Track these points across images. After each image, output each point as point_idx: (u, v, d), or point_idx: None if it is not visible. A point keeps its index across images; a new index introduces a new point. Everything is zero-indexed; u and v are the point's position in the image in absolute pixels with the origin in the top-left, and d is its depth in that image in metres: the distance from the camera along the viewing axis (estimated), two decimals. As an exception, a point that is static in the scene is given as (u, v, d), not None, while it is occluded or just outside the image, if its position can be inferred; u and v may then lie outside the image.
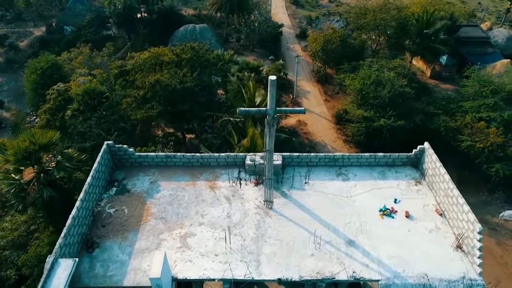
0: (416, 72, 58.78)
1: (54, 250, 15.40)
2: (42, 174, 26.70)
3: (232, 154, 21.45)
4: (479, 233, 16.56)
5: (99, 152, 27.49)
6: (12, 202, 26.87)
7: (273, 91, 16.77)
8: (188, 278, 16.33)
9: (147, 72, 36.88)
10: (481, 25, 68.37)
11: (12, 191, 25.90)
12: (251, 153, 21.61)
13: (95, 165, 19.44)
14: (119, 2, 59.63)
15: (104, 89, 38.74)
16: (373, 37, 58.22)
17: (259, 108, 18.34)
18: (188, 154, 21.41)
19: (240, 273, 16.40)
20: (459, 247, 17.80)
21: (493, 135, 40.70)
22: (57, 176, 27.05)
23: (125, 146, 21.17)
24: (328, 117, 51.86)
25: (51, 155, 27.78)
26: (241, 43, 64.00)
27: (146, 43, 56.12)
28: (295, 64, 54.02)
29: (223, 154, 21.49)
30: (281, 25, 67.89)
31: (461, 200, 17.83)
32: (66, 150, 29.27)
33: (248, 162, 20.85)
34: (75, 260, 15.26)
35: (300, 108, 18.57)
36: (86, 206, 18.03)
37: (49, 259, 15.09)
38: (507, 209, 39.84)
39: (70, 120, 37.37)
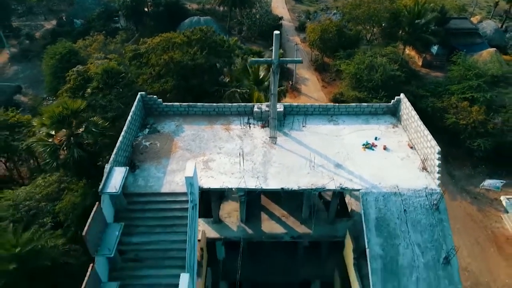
0: (408, 61, 64.49)
1: (110, 161, 20.80)
2: (72, 138, 31.77)
3: (243, 104, 27.00)
4: (438, 153, 21.97)
5: (119, 121, 33.12)
6: (47, 161, 31.86)
7: (276, 44, 22.30)
8: (211, 187, 21.72)
9: (160, 52, 42.34)
10: (472, 19, 74.24)
11: (48, 151, 30.87)
12: (258, 103, 27.10)
13: (132, 108, 24.86)
14: (128, -5, 65.49)
15: (121, 69, 44.10)
16: (367, 27, 63.94)
17: (266, 59, 23.64)
18: (206, 104, 26.91)
19: (251, 184, 21.79)
20: (424, 168, 23.23)
21: (475, 113, 46.14)
22: (86, 140, 32.17)
23: (154, 96, 26.64)
24: (325, 102, 57.33)
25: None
26: (243, 34, 69.76)
27: (155, 34, 61.61)
28: (294, 53, 59.65)
29: (235, 104, 27.00)
30: (281, 18, 73.72)
31: (426, 132, 23.22)
32: (91, 118, 34.40)
33: (255, 109, 26.35)
34: (127, 168, 20.65)
35: (298, 59, 24.07)
36: (128, 137, 23.44)
37: (107, 166, 20.47)
38: (487, 179, 45.22)
39: (90, 97, 42.64)
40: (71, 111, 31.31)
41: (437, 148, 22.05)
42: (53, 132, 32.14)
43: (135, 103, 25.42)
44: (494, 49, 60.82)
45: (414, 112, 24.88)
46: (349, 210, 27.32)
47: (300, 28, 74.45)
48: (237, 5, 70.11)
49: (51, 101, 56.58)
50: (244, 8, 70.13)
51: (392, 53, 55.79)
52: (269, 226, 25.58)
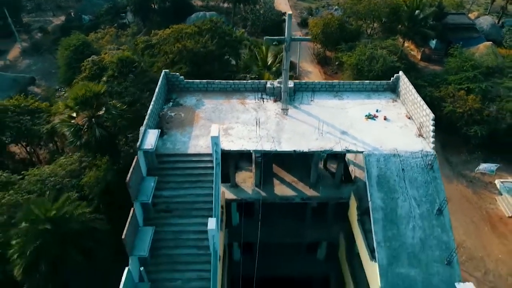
0: (408, 54, 68.01)
1: (143, 125, 24.15)
2: (93, 119, 34.88)
3: (256, 81, 30.38)
4: (433, 119, 25.34)
5: (136, 106, 36.31)
6: (71, 140, 34.93)
7: (289, 23, 25.73)
8: (232, 149, 25.06)
9: (172, 42, 45.74)
10: (470, 15, 77.90)
11: (72, 130, 34.01)
12: (270, 80, 30.51)
13: (158, 84, 28.21)
14: (136, -9, 69.06)
15: (135, 58, 47.44)
16: (368, 22, 67.50)
17: (280, 37, 26.93)
18: (224, 81, 30.32)
19: (267, 147, 25.15)
20: (420, 135, 26.60)
21: (471, 101, 49.47)
22: (106, 121, 35.10)
23: (177, 74, 30.02)
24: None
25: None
26: (247, 29, 73.23)
27: (162, 28, 65.05)
28: (298, 47, 62.98)
29: (249, 81, 30.39)
30: (284, 13, 77.21)
31: (422, 102, 26.61)
32: (110, 102, 37.49)
33: (268, 85, 29.77)
34: (159, 130, 24.01)
35: (307, 37, 27.43)
36: (156, 107, 26.77)
37: (142, 129, 23.82)
38: (482, 163, 48.53)
39: (105, 84, 45.87)
40: (93, 93, 34.34)
41: (432, 116, 25.43)
42: (74, 115, 35.19)
43: (160, 79, 28.81)
44: (491, 42, 64.25)
45: (411, 87, 28.30)
46: (353, 177, 30.63)
47: (303, 24, 78.04)
48: (241, 1, 73.65)
49: (63, 92, 60.01)
50: (248, 4, 73.71)
51: (392, 45, 59.36)
52: (281, 190, 28.93)
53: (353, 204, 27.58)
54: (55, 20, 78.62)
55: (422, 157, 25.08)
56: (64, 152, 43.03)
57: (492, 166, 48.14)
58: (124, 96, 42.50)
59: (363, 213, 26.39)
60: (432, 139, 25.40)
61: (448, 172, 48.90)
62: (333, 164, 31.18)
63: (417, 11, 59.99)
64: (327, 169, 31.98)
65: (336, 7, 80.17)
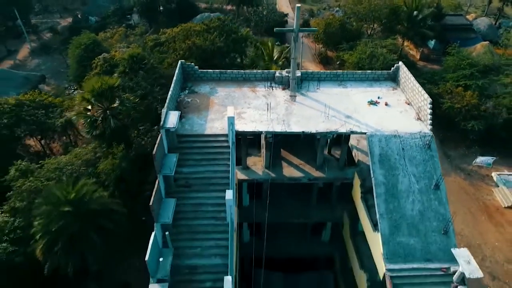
0: (407, 54, 70.72)
1: (165, 107, 26.59)
2: (108, 111, 37.26)
3: (266, 70, 32.93)
4: (430, 103, 27.85)
5: (148, 99, 38.93)
6: (88, 130, 37.28)
7: (297, 14, 28.32)
8: (245, 130, 27.53)
9: (182, 39, 48.35)
10: (467, 16, 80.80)
11: (88, 121, 36.42)
12: (279, 70, 33.06)
13: (176, 72, 30.69)
14: (143, -8, 71.90)
15: (145, 55, 49.98)
16: (368, 22, 70.32)
17: (288, 28, 29.52)
18: (235, 70, 32.87)
19: (278, 129, 27.62)
20: (419, 118, 29.11)
21: (469, 97, 51.96)
22: (120, 113, 37.47)
23: (192, 63, 32.55)
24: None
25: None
26: (250, 30, 75.95)
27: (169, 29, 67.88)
28: (300, 47, 65.52)
29: (259, 71, 32.93)
30: (286, 15, 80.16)
31: (420, 88, 29.16)
32: (123, 95, 39.84)
33: (277, 75, 32.32)
34: (179, 112, 26.46)
35: (314, 28, 29.97)
36: (174, 93, 29.23)
37: (164, 111, 26.25)
38: (479, 156, 50.93)
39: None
40: (108, 86, 36.79)
41: (429, 100, 27.95)
42: (89, 107, 37.60)
43: (177, 69, 31.34)
44: (488, 42, 66.98)
45: (410, 75, 30.91)
46: (356, 161, 33.07)
47: (304, 25, 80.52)
48: (245, 3, 76.52)
49: (72, 90, 62.56)
50: (251, 6, 76.59)
51: (391, 45, 62.11)
52: (289, 172, 31.39)
53: (356, 183, 29.99)
54: (62, 21, 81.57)
55: (420, 137, 27.55)
56: (77, 145, 45.34)
57: (489, 159, 50.47)
58: (136, 90, 44.96)
59: (366, 192, 28.74)
60: (429, 121, 27.88)
61: (447, 165, 51.13)
62: (337, 150, 33.56)
63: (415, 12, 62.55)
64: (331, 155, 34.39)
65: (337, 8, 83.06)
